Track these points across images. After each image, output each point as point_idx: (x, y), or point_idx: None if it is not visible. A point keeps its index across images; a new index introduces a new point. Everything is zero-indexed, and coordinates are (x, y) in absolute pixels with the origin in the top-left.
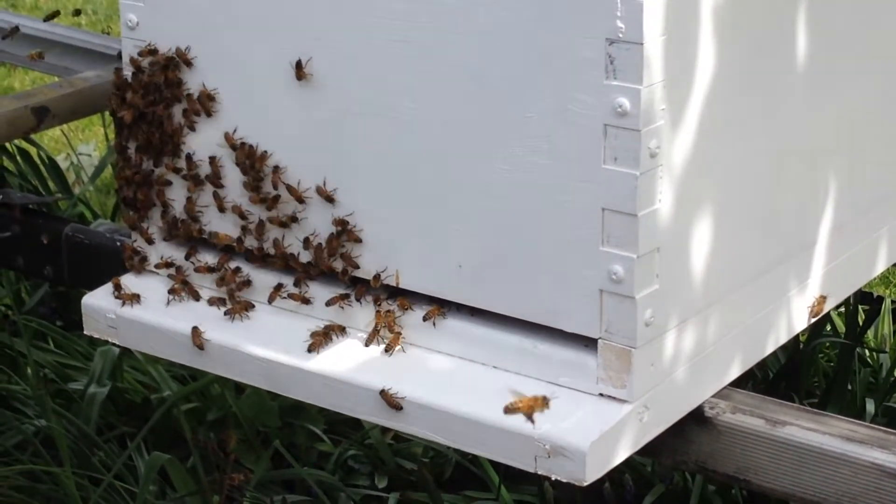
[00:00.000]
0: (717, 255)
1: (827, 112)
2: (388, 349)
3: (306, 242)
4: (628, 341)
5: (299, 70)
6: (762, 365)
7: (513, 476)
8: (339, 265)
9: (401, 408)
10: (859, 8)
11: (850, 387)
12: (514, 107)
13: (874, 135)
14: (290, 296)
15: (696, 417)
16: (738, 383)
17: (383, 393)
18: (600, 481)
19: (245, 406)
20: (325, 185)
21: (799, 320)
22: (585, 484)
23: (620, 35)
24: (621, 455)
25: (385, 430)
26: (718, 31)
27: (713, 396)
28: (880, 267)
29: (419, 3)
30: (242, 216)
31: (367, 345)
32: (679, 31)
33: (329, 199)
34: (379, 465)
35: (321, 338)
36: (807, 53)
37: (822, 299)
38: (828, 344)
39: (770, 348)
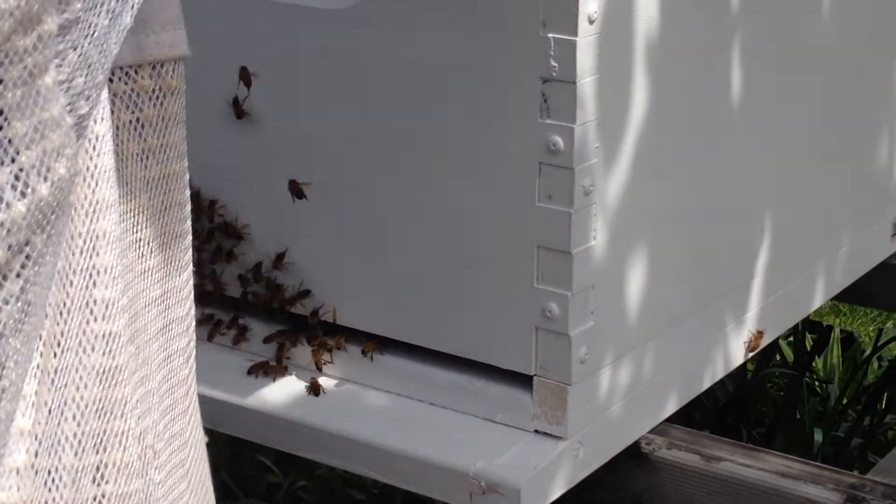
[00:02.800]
0: (653, 291)
1: (762, 150)
2: (315, 390)
3: (241, 279)
4: (563, 378)
5: (237, 107)
6: (710, 395)
7: None
8: (275, 303)
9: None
10: (794, 50)
11: (798, 416)
12: (448, 144)
13: (809, 173)
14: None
15: (633, 453)
16: (687, 414)
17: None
18: None
19: None
20: (236, 221)
21: (736, 355)
22: None
23: (554, 74)
24: (556, 492)
25: None
26: (651, 70)
27: (649, 432)
28: (817, 302)
29: (356, 40)
30: None
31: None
32: (612, 71)
33: (238, 236)
34: (328, 496)
35: (260, 367)
36: (741, 93)
37: (759, 334)
38: (776, 373)
39: (707, 384)
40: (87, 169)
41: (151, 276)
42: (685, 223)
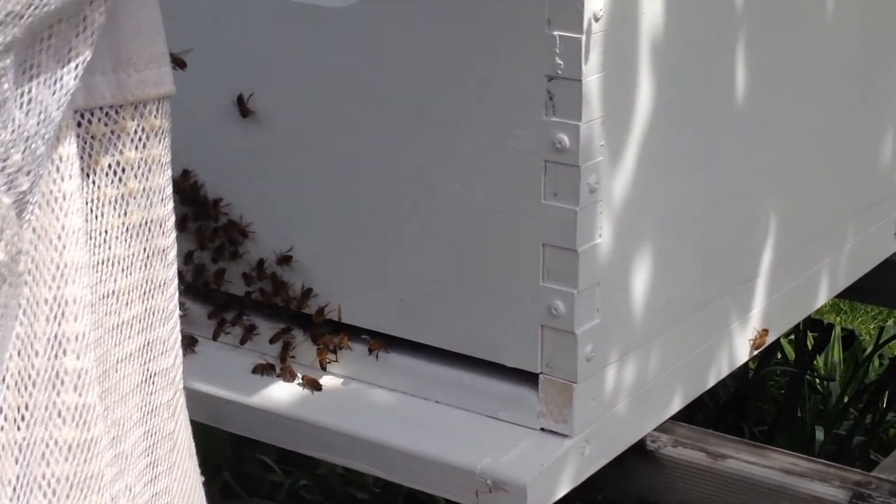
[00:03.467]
0: (658, 289)
1: (766, 148)
2: (312, 386)
3: (246, 277)
4: (569, 376)
5: (242, 106)
6: (712, 393)
7: None
8: (280, 300)
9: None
10: (798, 48)
11: (799, 414)
12: (454, 143)
13: (813, 170)
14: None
15: (638, 451)
16: (688, 412)
17: None
18: None
19: (193, 436)
20: (241, 220)
21: (740, 353)
22: None
23: (559, 72)
24: (562, 490)
25: None
26: (657, 68)
27: (655, 430)
28: (821, 299)
29: (360, 38)
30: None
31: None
32: (618, 68)
33: (243, 234)
34: (330, 495)
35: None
36: (745, 91)
37: (765, 332)
38: (778, 371)
39: (712, 381)
40: (54, 231)
41: (129, 329)
42: (690, 220)
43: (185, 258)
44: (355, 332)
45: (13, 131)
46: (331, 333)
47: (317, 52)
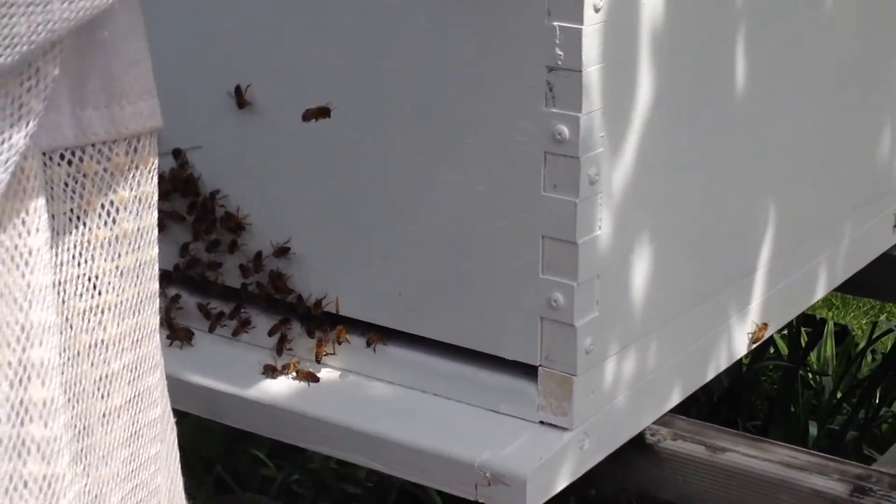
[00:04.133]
0: (657, 281)
1: (766, 141)
2: (310, 379)
3: (242, 269)
4: (568, 369)
5: (239, 97)
6: (706, 388)
7: (457, 501)
8: (277, 293)
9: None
10: (798, 42)
11: (792, 409)
12: (453, 134)
13: (811, 164)
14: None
15: (637, 444)
16: (682, 407)
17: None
18: None
19: (187, 431)
20: (238, 211)
21: (739, 347)
22: None
23: (559, 62)
24: (562, 483)
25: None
26: (657, 60)
27: (654, 423)
28: (819, 293)
29: (359, 28)
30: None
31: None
32: (618, 59)
33: (239, 227)
34: (322, 490)
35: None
36: (745, 84)
37: (764, 326)
38: (771, 366)
39: (710, 374)
40: (19, 289)
41: (118, 380)
42: (690, 213)
43: (181, 250)
44: (353, 325)
45: None
46: (328, 326)
47: (315, 42)
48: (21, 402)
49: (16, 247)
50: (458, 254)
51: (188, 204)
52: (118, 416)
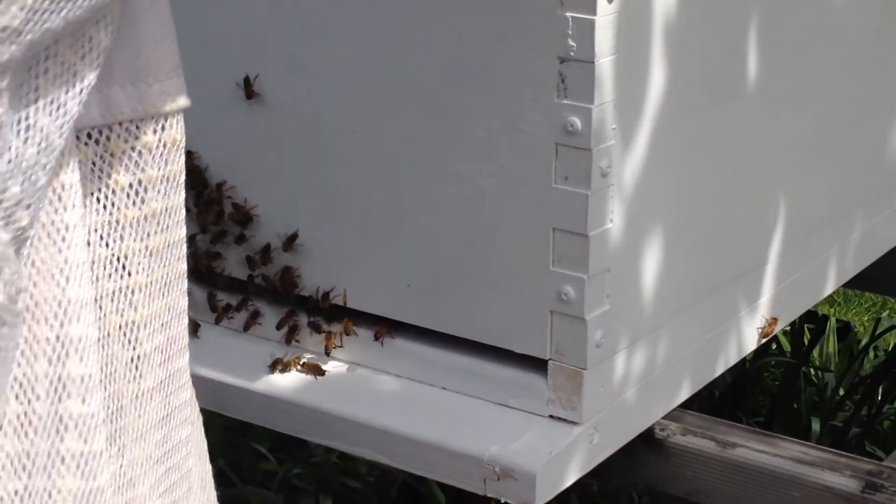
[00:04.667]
0: (668, 275)
1: (777, 134)
2: (315, 372)
3: (249, 261)
4: (578, 363)
5: (248, 88)
6: (708, 384)
7: (460, 496)
8: (283, 287)
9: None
10: (811, 33)
11: (795, 406)
12: (464, 126)
13: (822, 158)
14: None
15: (647, 439)
16: (685, 403)
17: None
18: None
19: None
20: (245, 203)
21: (749, 341)
22: None
23: (572, 53)
24: (571, 477)
25: (330, 448)
26: (670, 52)
27: (663, 418)
28: (829, 288)
29: (368, 19)
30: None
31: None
32: (631, 51)
33: (247, 218)
34: (324, 484)
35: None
36: (757, 76)
37: (773, 321)
38: (773, 363)
39: (720, 369)
40: (56, 265)
41: (149, 362)
42: (701, 206)
43: (188, 242)
44: (361, 318)
45: (10, 161)
46: (336, 318)
47: (325, 33)
48: (59, 377)
49: (52, 222)
50: (467, 246)
51: (195, 195)
52: (150, 398)
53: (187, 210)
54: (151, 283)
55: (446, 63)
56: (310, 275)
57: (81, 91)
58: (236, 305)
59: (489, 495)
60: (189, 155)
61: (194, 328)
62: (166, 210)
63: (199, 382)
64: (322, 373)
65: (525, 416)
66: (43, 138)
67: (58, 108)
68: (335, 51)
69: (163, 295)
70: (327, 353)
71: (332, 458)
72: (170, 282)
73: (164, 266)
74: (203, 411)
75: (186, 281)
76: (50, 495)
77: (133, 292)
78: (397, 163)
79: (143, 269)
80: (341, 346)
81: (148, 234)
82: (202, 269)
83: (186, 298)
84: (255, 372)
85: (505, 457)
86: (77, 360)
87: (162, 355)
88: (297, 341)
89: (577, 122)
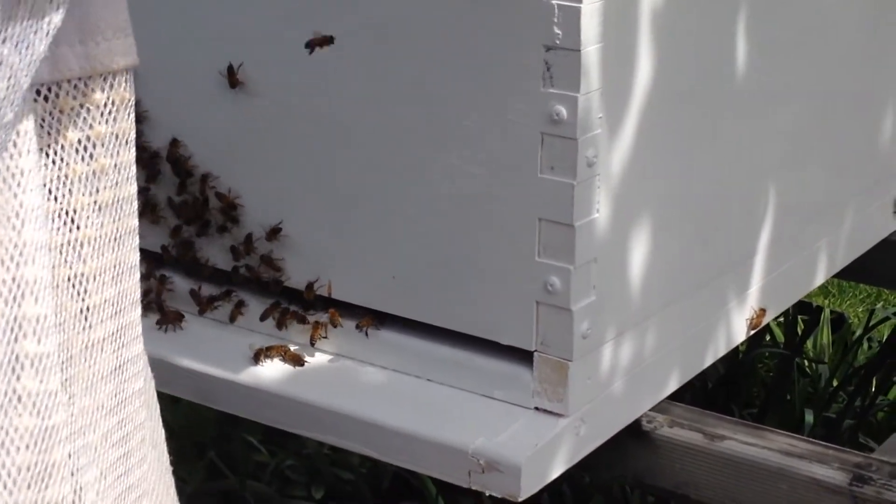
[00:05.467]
0: (655, 266)
1: (766, 125)
2: (295, 362)
3: (234, 251)
4: (564, 354)
5: (231, 76)
6: (701, 375)
7: (450, 488)
8: (268, 275)
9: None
10: (803, 26)
11: (788, 397)
12: (449, 115)
13: (812, 148)
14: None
15: (634, 431)
16: (677, 394)
17: None
18: (538, 493)
19: (179, 416)
20: (229, 193)
21: (738, 333)
22: (520, 500)
23: (557, 42)
24: (557, 470)
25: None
26: (657, 40)
27: (651, 410)
28: (819, 279)
29: (353, 12)
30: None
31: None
32: (617, 39)
33: (231, 207)
34: (316, 476)
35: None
36: (746, 66)
37: (762, 312)
38: (767, 354)
39: (708, 361)
40: (11, 209)
41: (99, 313)
42: (689, 196)
43: (172, 232)
44: (345, 309)
45: None
46: (320, 309)
47: (309, 22)
48: (15, 318)
49: (7, 168)
50: (452, 236)
51: (178, 184)
52: (101, 350)
53: (170, 200)
54: (101, 236)
55: (432, 52)
56: (294, 266)
57: (48, 33)
58: (220, 296)
59: (474, 488)
60: (175, 143)
61: (179, 319)
62: (115, 166)
63: (184, 374)
64: (302, 363)
65: (511, 409)
66: (12, 74)
67: (27, 47)
68: None
69: (113, 249)
70: (312, 344)
71: (325, 449)
72: (120, 236)
73: (115, 221)
74: (193, 403)
75: (138, 237)
76: (7, 433)
77: (82, 245)
78: (382, 152)
79: (93, 223)
80: (326, 338)
81: (97, 189)
82: (187, 260)
83: (138, 253)
84: (239, 364)
85: (490, 449)
86: (32, 301)
87: (113, 308)
88: (286, 328)
89: (563, 110)
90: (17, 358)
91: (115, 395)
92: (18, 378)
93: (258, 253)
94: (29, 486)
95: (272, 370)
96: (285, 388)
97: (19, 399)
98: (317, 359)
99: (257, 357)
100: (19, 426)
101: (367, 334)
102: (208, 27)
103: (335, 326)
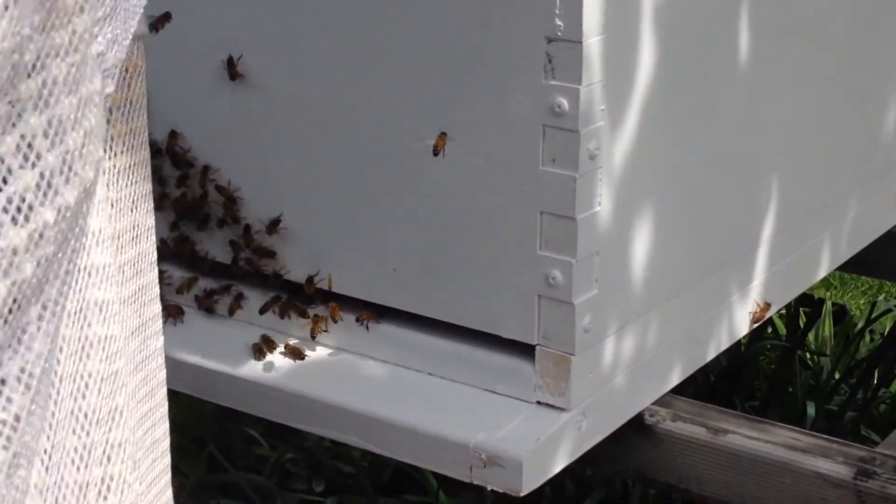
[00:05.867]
0: (658, 259)
1: (769, 117)
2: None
3: (233, 244)
4: (566, 348)
5: (232, 68)
6: (703, 368)
7: (452, 481)
8: (268, 268)
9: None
10: (805, 18)
11: (791, 390)
12: (450, 107)
13: (815, 140)
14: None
15: (636, 425)
16: (680, 386)
17: None
18: (540, 486)
19: (180, 410)
20: (229, 185)
21: (740, 326)
22: (522, 494)
23: (559, 33)
24: (559, 464)
25: None
26: (659, 32)
27: (653, 404)
28: (822, 272)
29: (352, 3)
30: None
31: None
32: (619, 31)
33: (231, 200)
34: (317, 469)
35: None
36: (748, 58)
37: (766, 306)
38: (769, 347)
39: (711, 354)
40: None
41: (122, 274)
42: (691, 189)
43: (171, 226)
44: (345, 302)
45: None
46: (321, 303)
47: (310, 15)
48: (85, 267)
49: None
50: (453, 229)
51: (178, 176)
52: (126, 307)
53: (166, 195)
54: (120, 199)
55: (432, 43)
56: (295, 259)
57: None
58: (219, 290)
59: (475, 482)
60: (173, 135)
61: (178, 313)
62: (130, 131)
63: (183, 368)
64: (303, 357)
65: (512, 403)
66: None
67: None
68: (321, 33)
69: (131, 211)
70: (313, 338)
71: (326, 443)
72: (136, 200)
73: (132, 184)
74: (193, 397)
75: (152, 200)
76: (81, 377)
77: (106, 208)
78: (384, 145)
79: (113, 184)
80: (327, 331)
81: (115, 154)
82: (186, 255)
83: (153, 217)
84: (238, 358)
85: (491, 443)
86: (98, 251)
87: (133, 268)
88: (288, 318)
89: (565, 103)
90: (86, 305)
91: (141, 352)
92: (89, 325)
93: (256, 245)
94: (98, 428)
95: (272, 364)
96: (285, 383)
97: (91, 345)
98: (317, 353)
99: (257, 351)
100: (92, 371)
101: (367, 328)
102: (208, 19)
103: (336, 321)
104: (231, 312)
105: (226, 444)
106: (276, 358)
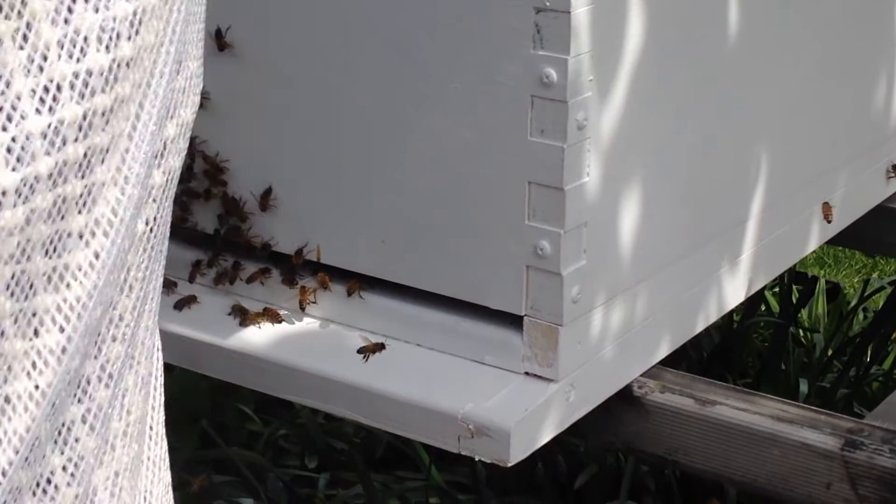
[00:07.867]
0: (646, 230)
1: (759, 89)
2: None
3: (221, 219)
4: (554, 318)
5: (219, 39)
6: (696, 344)
7: (444, 457)
8: (257, 240)
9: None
10: None
11: (783, 366)
12: (438, 77)
13: (806, 113)
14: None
15: (625, 397)
16: (672, 363)
17: None
18: (532, 461)
19: (172, 385)
20: (217, 157)
21: (730, 298)
22: (510, 465)
23: (547, 3)
24: (547, 435)
25: (316, 409)
26: (648, 3)
27: (642, 375)
28: (811, 245)
29: None
30: None
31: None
32: (607, 1)
33: (217, 169)
34: (309, 445)
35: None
36: (739, 30)
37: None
38: (762, 323)
39: (700, 327)
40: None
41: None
42: (680, 160)
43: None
44: (334, 273)
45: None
46: (310, 274)
47: None
48: (96, 221)
49: None
50: (442, 200)
51: None
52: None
53: None
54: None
55: (420, 13)
56: (283, 231)
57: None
58: (208, 261)
59: (463, 453)
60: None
61: (170, 285)
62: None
63: (171, 339)
64: (280, 320)
65: (500, 373)
66: None
67: None
68: (309, 3)
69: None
70: (302, 309)
71: (318, 419)
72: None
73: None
74: (187, 370)
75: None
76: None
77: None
78: (371, 116)
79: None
80: (315, 302)
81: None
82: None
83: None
84: (227, 329)
85: (479, 414)
86: (106, 207)
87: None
88: (262, 283)
89: (553, 73)
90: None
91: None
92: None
93: (248, 219)
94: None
95: (259, 335)
96: (273, 353)
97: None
98: (305, 323)
99: (238, 314)
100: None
101: (359, 296)
102: None
103: (325, 289)
104: (232, 282)
105: (218, 419)
106: (264, 328)
